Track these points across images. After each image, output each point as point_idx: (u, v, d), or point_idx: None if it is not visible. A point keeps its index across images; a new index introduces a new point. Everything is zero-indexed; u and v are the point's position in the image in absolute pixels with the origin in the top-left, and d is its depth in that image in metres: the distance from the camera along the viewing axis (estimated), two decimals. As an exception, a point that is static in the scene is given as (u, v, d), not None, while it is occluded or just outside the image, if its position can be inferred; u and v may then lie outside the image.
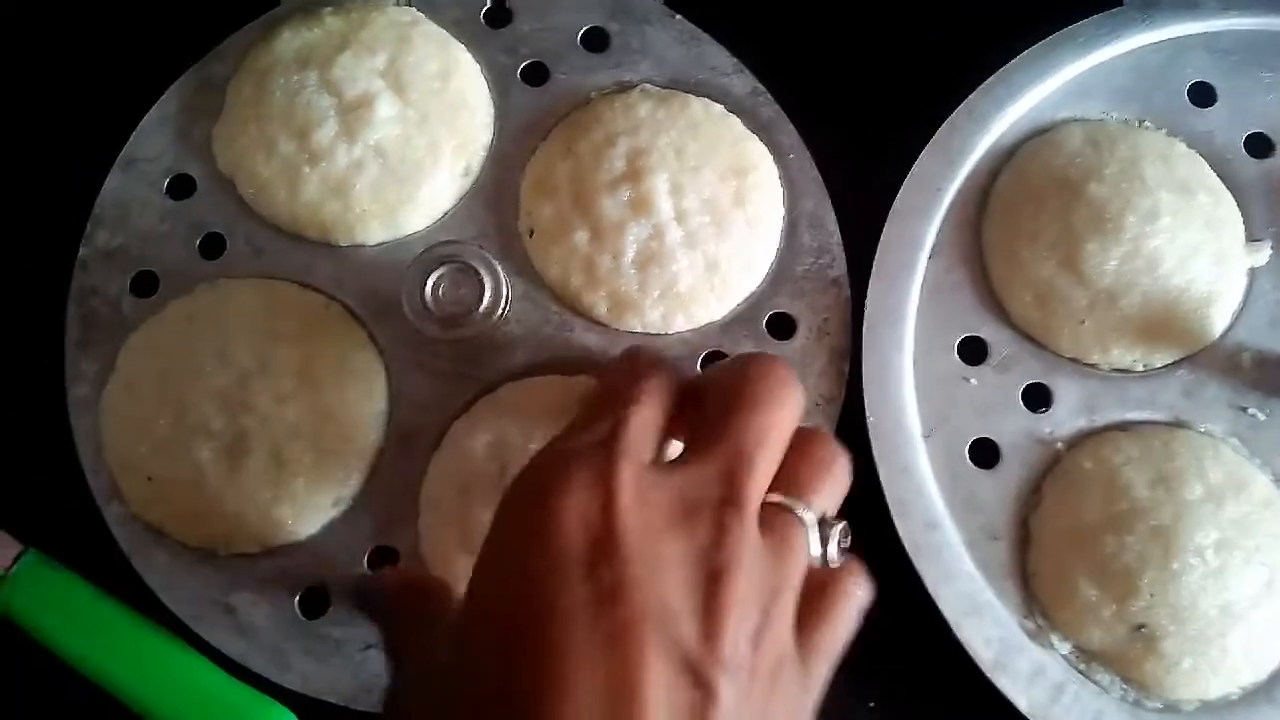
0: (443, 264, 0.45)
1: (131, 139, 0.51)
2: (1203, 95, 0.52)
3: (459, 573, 0.43)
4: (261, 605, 0.46)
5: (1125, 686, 0.45)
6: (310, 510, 0.47)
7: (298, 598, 0.46)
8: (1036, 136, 0.51)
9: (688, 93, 0.51)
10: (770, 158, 0.51)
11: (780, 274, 0.50)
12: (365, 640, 0.46)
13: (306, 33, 0.51)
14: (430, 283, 0.45)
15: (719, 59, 0.52)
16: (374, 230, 0.49)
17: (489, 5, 0.53)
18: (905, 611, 0.44)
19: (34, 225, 0.53)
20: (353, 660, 0.46)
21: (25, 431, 0.50)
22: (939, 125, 0.51)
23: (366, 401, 0.48)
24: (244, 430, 0.46)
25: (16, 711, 0.48)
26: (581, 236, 0.48)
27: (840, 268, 0.50)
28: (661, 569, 0.29)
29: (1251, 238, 0.50)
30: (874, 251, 0.49)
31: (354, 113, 0.49)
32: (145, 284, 0.50)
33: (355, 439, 0.47)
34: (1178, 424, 0.48)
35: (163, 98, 0.52)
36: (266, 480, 0.46)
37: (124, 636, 0.46)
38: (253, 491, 0.46)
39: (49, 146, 0.54)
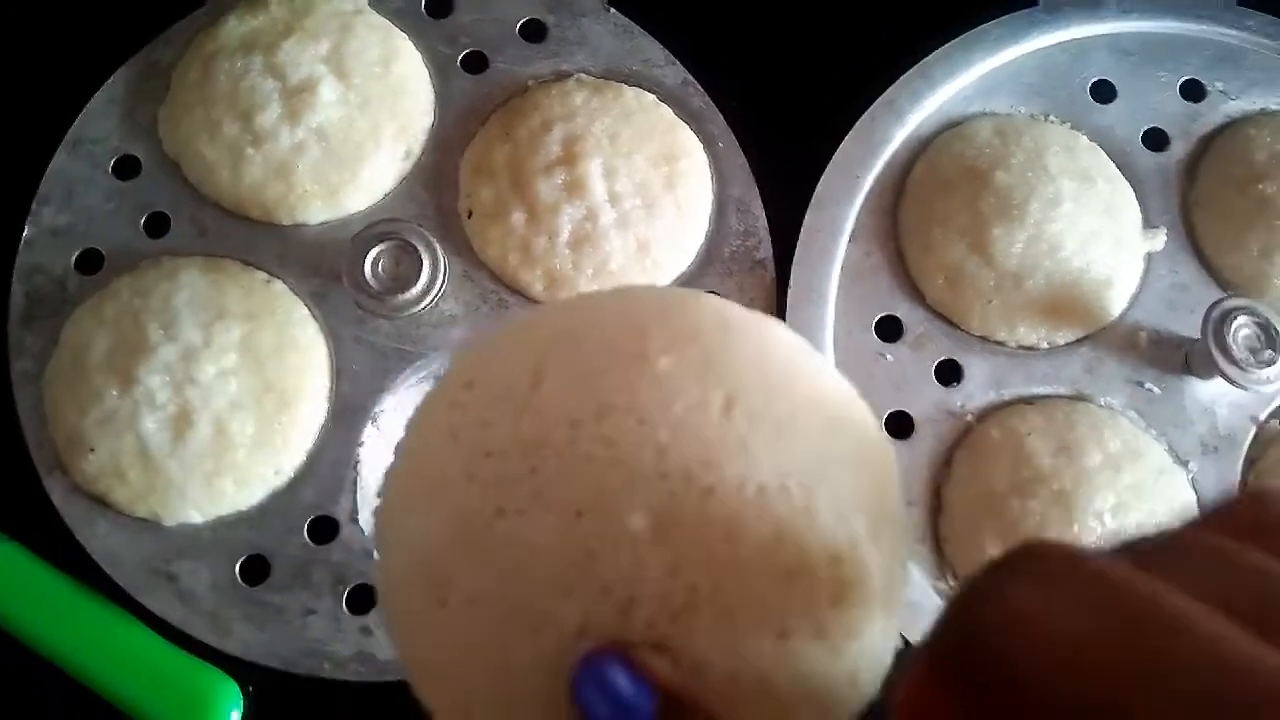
0: (382, 240, 0.47)
1: (78, 120, 0.52)
2: (1104, 92, 0.55)
3: None
4: (203, 573, 0.47)
5: (1031, 641, 0.47)
6: (252, 480, 0.48)
7: (239, 565, 0.48)
8: (950, 129, 0.54)
9: (621, 83, 0.53)
10: (700, 145, 0.53)
11: (709, 255, 0.52)
12: (305, 606, 0.47)
13: (252, 19, 0.52)
14: (370, 258, 0.47)
15: (652, 51, 0.54)
16: (316, 210, 0.51)
17: (431, -4, 0.55)
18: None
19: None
20: (292, 625, 0.47)
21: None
22: (860, 117, 0.54)
23: (308, 375, 0.49)
24: (187, 403, 0.47)
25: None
26: (519, 218, 0.50)
27: (766, 250, 0.52)
28: None
29: (1148, 225, 0.53)
30: (797, 235, 0.52)
31: (297, 96, 0.50)
32: (90, 261, 0.51)
33: (296, 412, 0.48)
34: (1079, 397, 0.51)
35: (110, 80, 0.53)
36: (209, 451, 0.47)
37: (65, 606, 0.47)
38: (196, 462, 0.47)
39: (-6, 127, 0.55)
